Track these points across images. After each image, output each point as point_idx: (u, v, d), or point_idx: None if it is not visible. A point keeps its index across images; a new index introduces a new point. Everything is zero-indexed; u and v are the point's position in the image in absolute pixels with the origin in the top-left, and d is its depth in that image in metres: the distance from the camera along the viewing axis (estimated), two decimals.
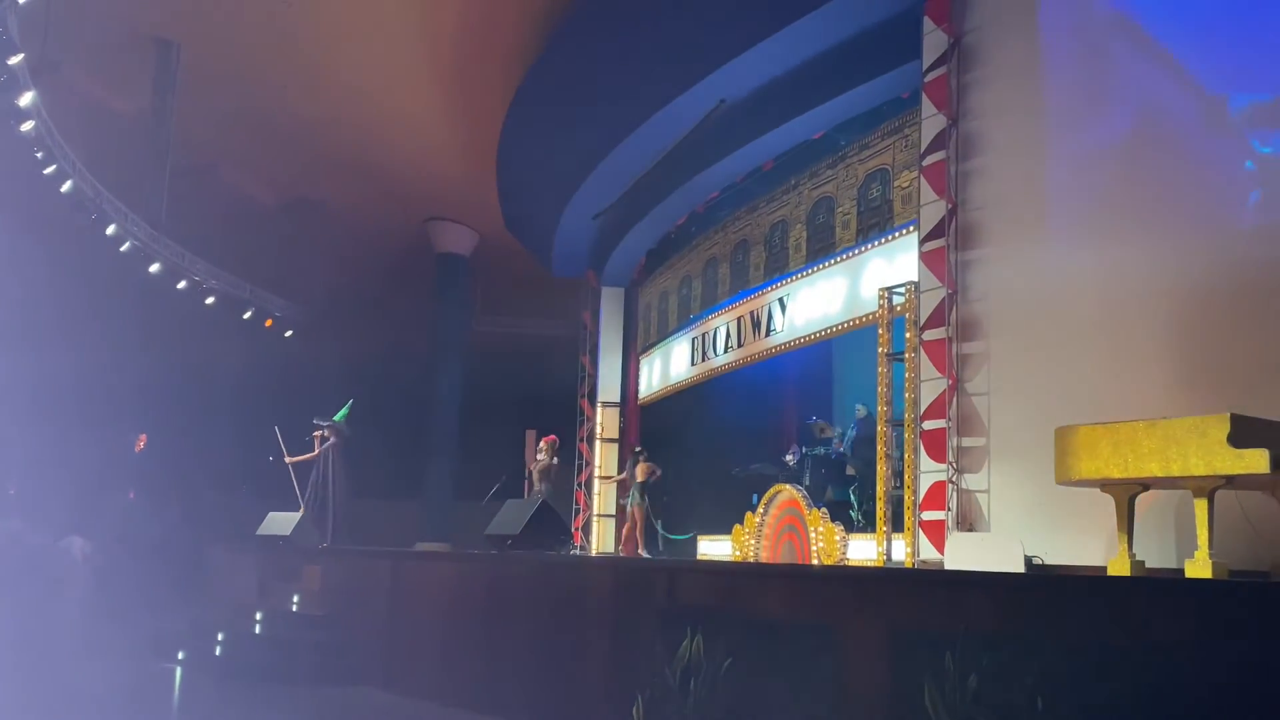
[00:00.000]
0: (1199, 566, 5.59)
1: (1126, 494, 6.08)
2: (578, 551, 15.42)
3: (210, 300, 18.55)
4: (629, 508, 14.11)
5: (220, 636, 10.91)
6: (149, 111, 16.71)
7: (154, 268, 16.81)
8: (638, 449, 14.41)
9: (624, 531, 14.30)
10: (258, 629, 10.90)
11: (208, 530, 15.73)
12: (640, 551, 13.73)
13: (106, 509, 16.08)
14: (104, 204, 15.44)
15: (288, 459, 13.19)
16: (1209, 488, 5.63)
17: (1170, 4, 8.05)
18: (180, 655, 11.08)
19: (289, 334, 21.31)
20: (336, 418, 13.38)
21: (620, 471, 14.61)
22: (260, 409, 21.32)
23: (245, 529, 12.97)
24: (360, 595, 10.55)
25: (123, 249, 16.08)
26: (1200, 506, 5.65)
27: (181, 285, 17.71)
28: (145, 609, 12.31)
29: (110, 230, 15.67)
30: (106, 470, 17.19)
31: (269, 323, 20.38)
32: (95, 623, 11.29)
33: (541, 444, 14.96)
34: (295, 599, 11.21)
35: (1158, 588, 5.05)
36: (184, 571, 13.79)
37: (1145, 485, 6.03)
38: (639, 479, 13.86)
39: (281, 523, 12.36)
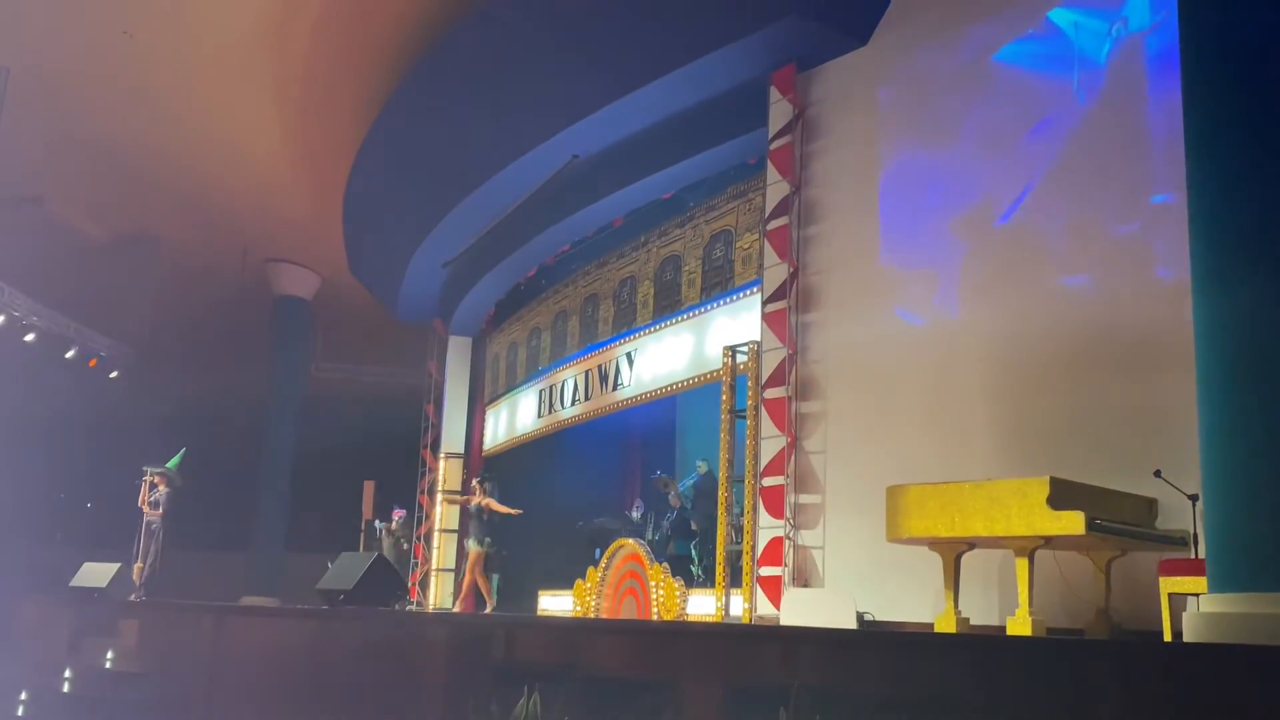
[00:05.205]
0: (1019, 624, 5.82)
1: (953, 552, 6.30)
2: (414, 607, 15.06)
3: (30, 337, 17.51)
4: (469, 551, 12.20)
5: (23, 696, 10.22)
6: None
7: None
8: (477, 479, 12.51)
9: (463, 585, 12.53)
10: (66, 687, 10.24)
11: (16, 581, 14.72)
12: (489, 608, 12.15)
13: None
14: None
15: (149, 511, 12.54)
16: (1029, 547, 5.89)
17: (995, 96, 8.54)
18: None
19: (114, 375, 20.23)
20: (169, 465, 12.78)
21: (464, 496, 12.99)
22: (81, 453, 20.24)
23: (58, 580, 12.22)
24: (180, 651, 10.02)
25: None
26: (1021, 565, 5.90)
27: None
28: None
29: None
30: None
31: (93, 363, 19.32)
32: None
33: (395, 517, 14.82)
34: (109, 655, 10.59)
35: (980, 644, 5.23)
36: None
37: (971, 544, 6.27)
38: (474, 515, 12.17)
39: (97, 574, 11.71)
